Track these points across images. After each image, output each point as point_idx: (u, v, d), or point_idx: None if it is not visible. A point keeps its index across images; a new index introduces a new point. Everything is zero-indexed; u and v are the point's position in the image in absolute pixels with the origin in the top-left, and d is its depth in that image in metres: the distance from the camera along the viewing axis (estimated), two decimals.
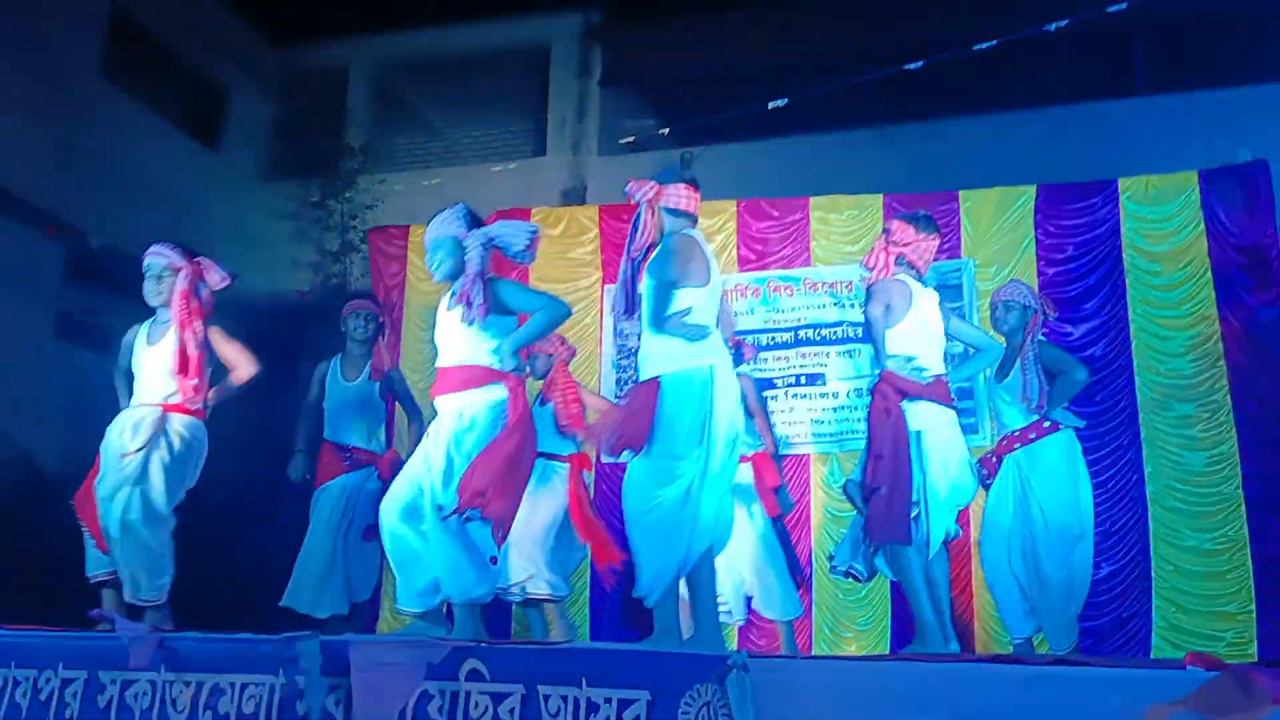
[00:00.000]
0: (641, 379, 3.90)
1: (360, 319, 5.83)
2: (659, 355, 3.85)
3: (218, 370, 4.92)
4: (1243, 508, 5.97)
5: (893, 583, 6.34)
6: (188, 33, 10.62)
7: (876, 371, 4.33)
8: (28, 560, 6.40)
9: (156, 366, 4.66)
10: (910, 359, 4.20)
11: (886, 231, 4.37)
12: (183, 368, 4.60)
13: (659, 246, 3.96)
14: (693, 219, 4.02)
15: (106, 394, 5.01)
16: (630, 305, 4.01)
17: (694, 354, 3.79)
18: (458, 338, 3.95)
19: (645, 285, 3.92)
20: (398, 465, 5.65)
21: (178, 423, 4.63)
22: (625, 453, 3.90)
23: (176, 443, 4.60)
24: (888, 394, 4.20)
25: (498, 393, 3.88)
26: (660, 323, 3.82)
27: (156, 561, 4.48)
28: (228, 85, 11.20)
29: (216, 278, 4.82)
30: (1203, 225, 6.32)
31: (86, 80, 9.37)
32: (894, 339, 4.23)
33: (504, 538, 3.91)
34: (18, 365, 8.09)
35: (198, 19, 10.67)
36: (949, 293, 6.64)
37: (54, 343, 8.81)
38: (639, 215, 4.00)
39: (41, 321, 8.74)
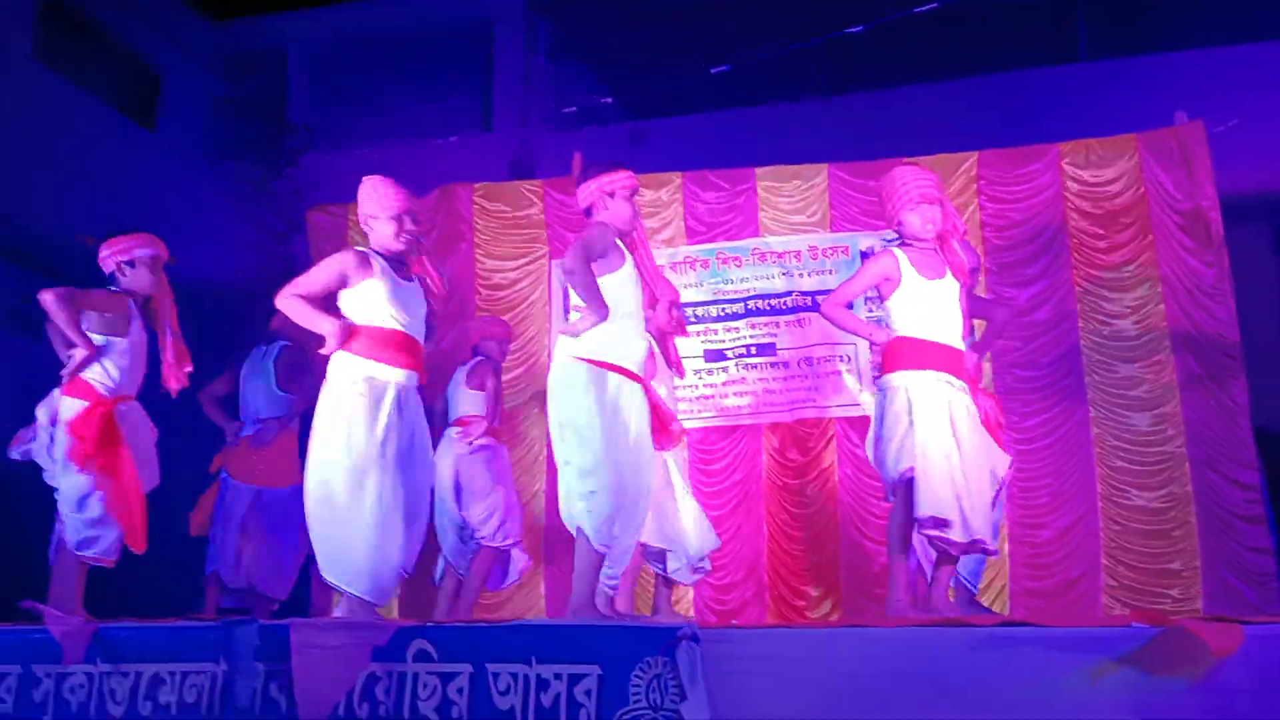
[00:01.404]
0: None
1: None
2: None
3: None
4: (1187, 465, 6.04)
5: (844, 549, 6.43)
6: (121, 12, 10.37)
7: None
8: None
9: (141, 356, 4.63)
10: None
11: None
12: (181, 354, 4.62)
13: None
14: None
15: (51, 381, 4.90)
16: None
17: None
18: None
19: None
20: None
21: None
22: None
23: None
24: None
25: None
26: None
27: None
28: (164, 65, 10.96)
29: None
30: (1143, 188, 6.36)
31: (18, 63, 9.13)
32: None
33: None
34: None
35: None
36: None
37: None
38: None
39: None
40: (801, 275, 6.76)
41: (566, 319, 3.80)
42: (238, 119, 10.90)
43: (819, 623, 5.84)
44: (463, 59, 10.99)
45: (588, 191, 4.00)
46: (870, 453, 4.18)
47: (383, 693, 2.89)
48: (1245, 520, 5.87)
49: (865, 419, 6.46)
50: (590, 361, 3.76)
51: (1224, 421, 6.00)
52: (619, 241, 3.97)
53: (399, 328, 3.97)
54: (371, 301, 3.97)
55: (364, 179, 4.23)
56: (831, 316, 4.29)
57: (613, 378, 3.79)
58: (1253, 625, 2.56)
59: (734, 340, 6.81)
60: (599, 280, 3.78)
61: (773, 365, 6.72)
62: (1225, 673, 2.48)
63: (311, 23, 11.25)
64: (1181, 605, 5.82)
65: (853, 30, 7.84)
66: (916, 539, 4.15)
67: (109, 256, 4.64)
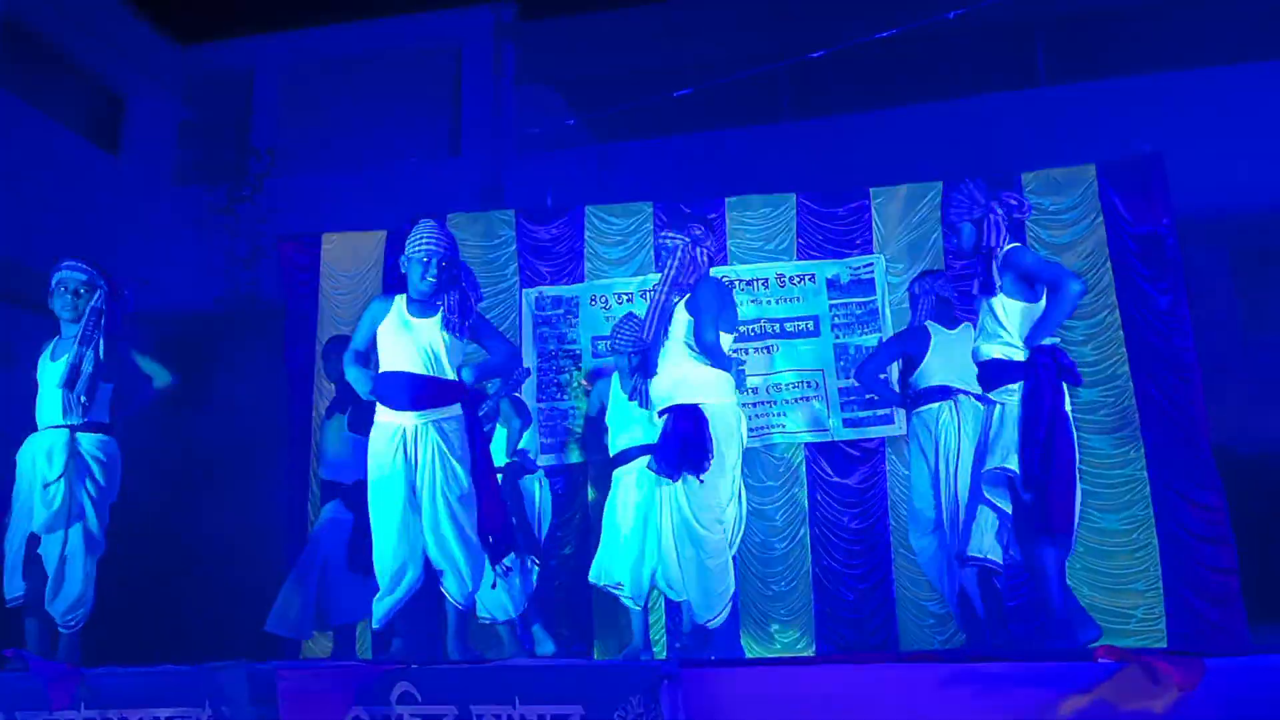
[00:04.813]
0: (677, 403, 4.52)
1: None
2: (704, 384, 4.54)
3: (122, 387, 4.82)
4: (1148, 488, 6.18)
5: (814, 574, 6.49)
6: (84, 34, 10.30)
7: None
8: None
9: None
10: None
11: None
12: (70, 382, 4.49)
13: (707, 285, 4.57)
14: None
15: (7, 411, 4.88)
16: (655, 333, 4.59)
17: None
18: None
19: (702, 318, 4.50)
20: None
21: (89, 443, 4.54)
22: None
23: (95, 466, 4.51)
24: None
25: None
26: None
27: (82, 591, 4.39)
28: (128, 88, 10.89)
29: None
30: (1101, 216, 6.52)
31: None
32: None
33: None
34: None
35: (94, 20, 10.34)
36: (861, 288, 6.77)
37: None
38: (679, 249, 4.58)
39: None
40: (769, 302, 6.84)
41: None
42: (202, 143, 10.86)
43: (793, 659, 5.89)
44: (431, 83, 11.02)
45: None
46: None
47: None
48: (1207, 541, 6.00)
49: (834, 445, 6.61)
50: None
51: (1184, 444, 6.15)
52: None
53: None
54: None
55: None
56: None
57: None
58: (1214, 659, 2.65)
59: None
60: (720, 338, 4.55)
61: (740, 391, 6.77)
62: (1189, 706, 2.56)
63: (278, 46, 11.22)
64: (1145, 625, 5.94)
65: (815, 55, 7.96)
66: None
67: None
